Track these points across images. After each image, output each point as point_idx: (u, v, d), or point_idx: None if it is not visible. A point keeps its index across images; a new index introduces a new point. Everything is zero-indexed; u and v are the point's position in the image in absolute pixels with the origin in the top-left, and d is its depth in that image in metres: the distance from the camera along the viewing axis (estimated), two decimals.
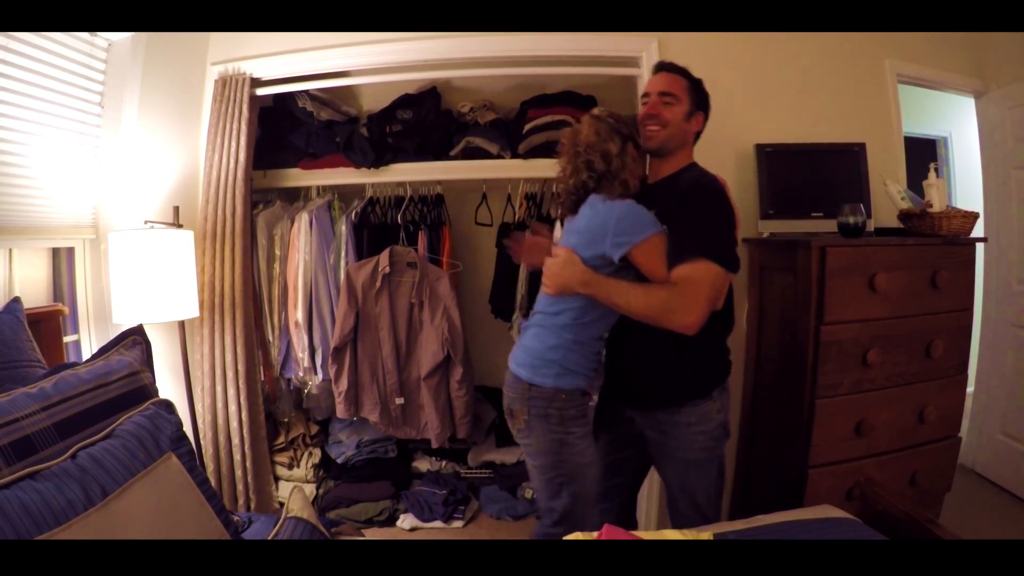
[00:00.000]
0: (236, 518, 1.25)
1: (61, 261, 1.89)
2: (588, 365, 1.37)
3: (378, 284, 2.21)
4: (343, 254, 2.30)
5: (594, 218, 1.30)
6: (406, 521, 2.30)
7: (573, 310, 1.34)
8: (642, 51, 2.02)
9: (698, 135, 1.43)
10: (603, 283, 1.25)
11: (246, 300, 2.08)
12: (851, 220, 1.79)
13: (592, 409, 1.50)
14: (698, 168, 1.39)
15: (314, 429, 2.54)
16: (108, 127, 1.93)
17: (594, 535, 1.07)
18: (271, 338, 2.34)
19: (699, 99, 1.39)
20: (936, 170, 1.87)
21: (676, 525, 1.46)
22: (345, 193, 2.48)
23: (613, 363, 1.48)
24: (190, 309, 1.85)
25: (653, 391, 1.40)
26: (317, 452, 2.48)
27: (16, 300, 1.39)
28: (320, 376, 2.32)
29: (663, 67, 1.41)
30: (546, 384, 1.33)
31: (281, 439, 2.41)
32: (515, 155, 2.34)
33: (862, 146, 2.04)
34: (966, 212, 1.81)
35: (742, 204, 2.06)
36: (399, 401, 2.29)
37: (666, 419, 1.39)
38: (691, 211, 1.25)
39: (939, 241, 1.80)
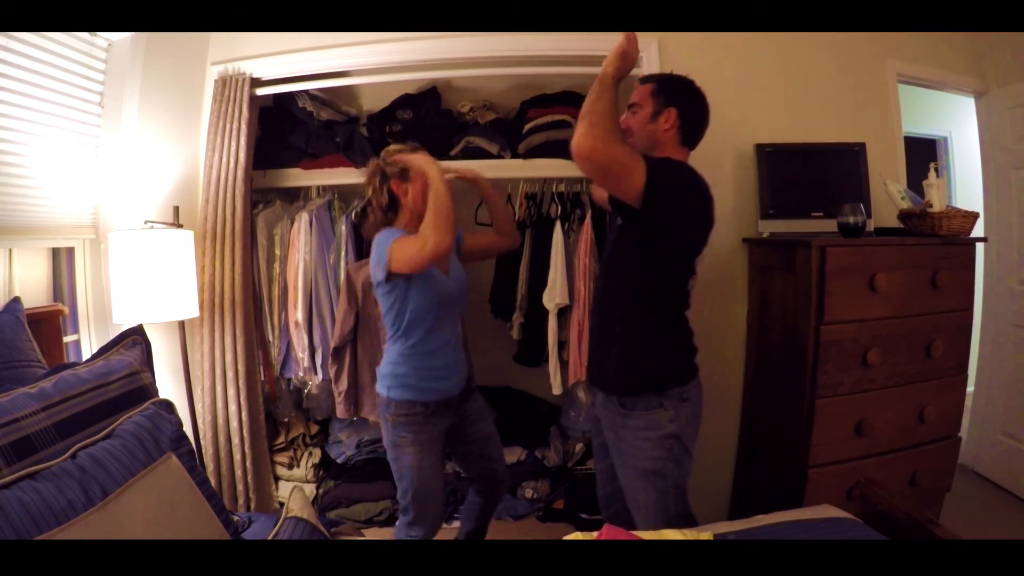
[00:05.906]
0: (236, 518, 1.25)
1: (61, 261, 1.89)
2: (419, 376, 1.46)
3: None
4: (343, 254, 2.29)
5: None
6: None
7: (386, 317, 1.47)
8: (642, 51, 2.02)
9: (690, 132, 1.34)
10: None
11: (246, 300, 2.08)
12: (851, 220, 1.79)
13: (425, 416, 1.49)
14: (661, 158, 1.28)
15: (314, 429, 2.53)
16: (108, 127, 1.93)
17: (594, 535, 1.07)
18: (271, 338, 2.34)
19: (666, 96, 1.33)
20: (936, 170, 1.87)
21: None
22: (345, 193, 2.48)
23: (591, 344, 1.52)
24: (190, 309, 1.85)
25: (608, 373, 1.38)
26: (317, 452, 2.48)
27: (16, 300, 1.39)
28: (320, 376, 2.32)
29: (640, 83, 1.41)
30: (382, 395, 1.49)
31: (281, 439, 2.41)
32: (515, 155, 2.34)
33: (862, 146, 2.04)
34: (966, 212, 1.81)
35: (742, 204, 2.08)
36: None
37: (619, 421, 1.35)
38: None
39: (939, 241, 1.81)
